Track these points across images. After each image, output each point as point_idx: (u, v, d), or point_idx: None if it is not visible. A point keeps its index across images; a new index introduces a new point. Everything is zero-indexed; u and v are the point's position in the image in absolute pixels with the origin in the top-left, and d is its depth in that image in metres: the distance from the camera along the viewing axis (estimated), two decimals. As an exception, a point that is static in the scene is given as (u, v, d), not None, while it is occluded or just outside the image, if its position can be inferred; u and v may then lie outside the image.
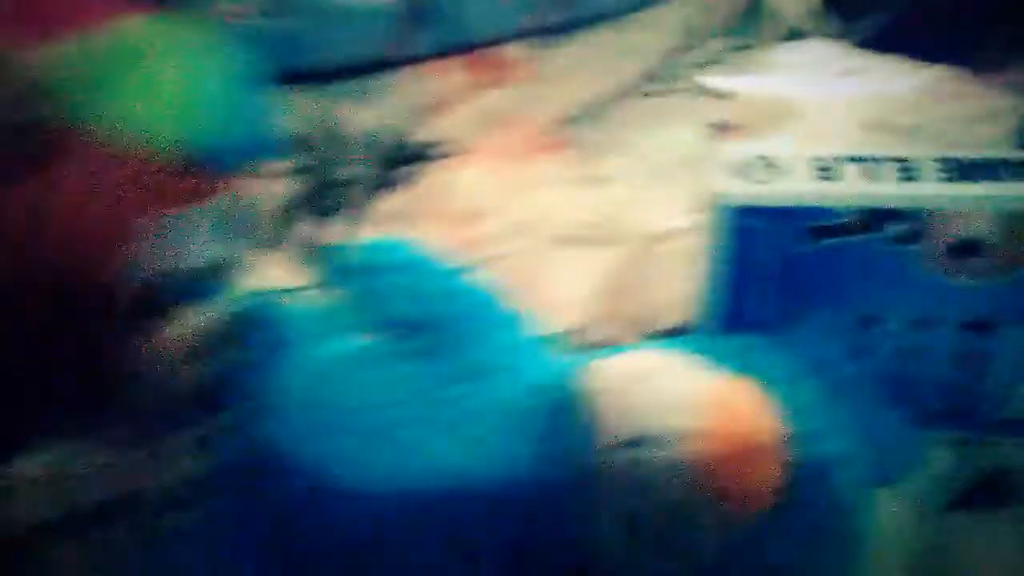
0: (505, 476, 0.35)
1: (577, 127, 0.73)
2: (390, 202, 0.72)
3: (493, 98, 0.76)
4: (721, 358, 0.40)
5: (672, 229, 0.59)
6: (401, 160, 0.76)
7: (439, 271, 0.42)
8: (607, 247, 0.66)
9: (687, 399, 0.34)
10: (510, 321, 0.41)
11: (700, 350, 0.41)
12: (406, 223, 0.69)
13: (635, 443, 0.36)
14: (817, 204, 0.45)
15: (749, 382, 0.36)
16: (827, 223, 0.46)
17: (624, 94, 0.71)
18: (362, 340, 0.39)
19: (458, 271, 0.42)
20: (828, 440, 0.38)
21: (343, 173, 0.74)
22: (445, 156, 0.75)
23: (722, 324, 0.48)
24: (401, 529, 0.34)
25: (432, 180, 0.73)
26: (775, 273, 0.47)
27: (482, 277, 0.42)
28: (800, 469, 0.37)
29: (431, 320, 0.40)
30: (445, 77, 0.77)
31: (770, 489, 0.34)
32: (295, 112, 0.73)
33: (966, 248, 0.43)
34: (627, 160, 0.71)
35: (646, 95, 0.71)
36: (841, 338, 0.48)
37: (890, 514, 0.44)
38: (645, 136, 0.68)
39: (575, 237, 0.68)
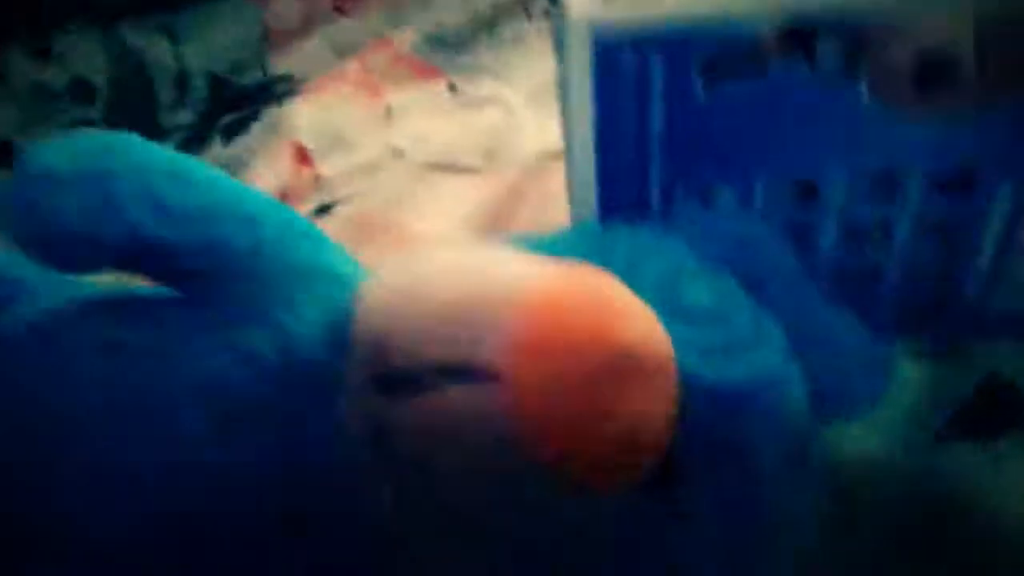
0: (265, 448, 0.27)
1: (446, 53, 0.68)
2: (221, 151, 0.66)
3: (342, 27, 0.71)
4: (582, 254, 0.27)
5: (551, 154, 0.54)
6: (235, 102, 0.70)
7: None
8: (482, 174, 0.60)
9: (502, 305, 0.22)
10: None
11: (554, 248, 0.28)
12: (244, 170, 0.58)
13: (417, 378, 0.22)
14: (713, 24, 0.31)
15: (609, 279, 0.24)
16: (729, 51, 0.32)
17: (493, 18, 0.69)
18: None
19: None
20: (749, 361, 0.26)
21: (160, 120, 0.68)
22: (291, 92, 0.68)
23: (597, 213, 0.34)
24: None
25: (276, 119, 0.67)
26: (660, 136, 0.34)
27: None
28: (703, 404, 0.24)
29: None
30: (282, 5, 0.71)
31: (642, 439, 0.22)
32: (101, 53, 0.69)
33: (930, 73, 0.31)
34: (503, 84, 0.66)
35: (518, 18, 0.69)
36: (766, 217, 0.34)
37: (865, 456, 0.37)
38: (521, 60, 0.66)
39: (447, 165, 0.62)
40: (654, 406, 0.21)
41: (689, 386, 0.24)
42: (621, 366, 0.21)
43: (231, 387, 0.27)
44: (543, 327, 0.21)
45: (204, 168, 0.31)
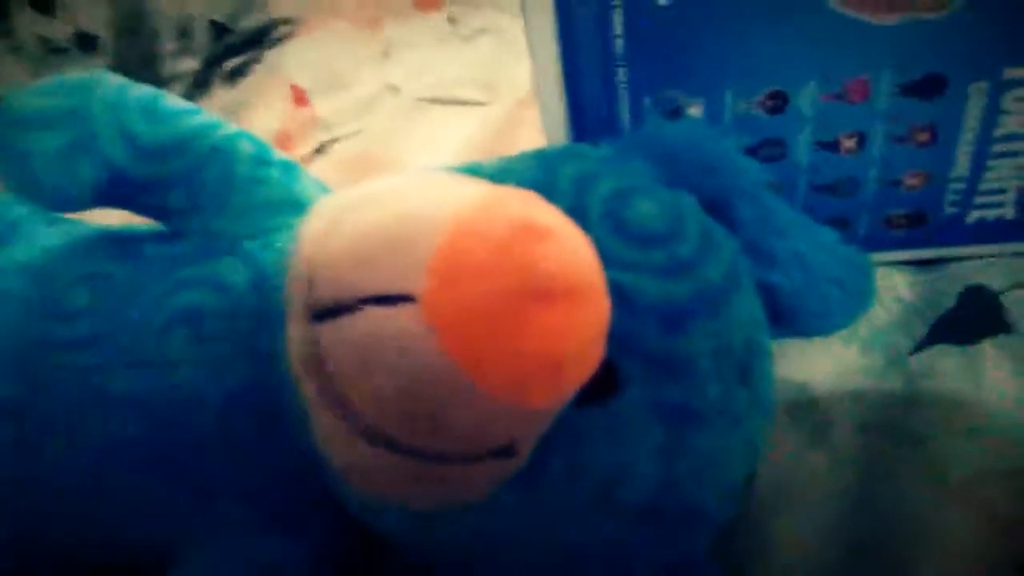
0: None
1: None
2: (223, 95, 0.67)
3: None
4: (530, 177, 0.27)
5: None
6: (236, 46, 0.70)
7: None
8: (480, 106, 0.60)
9: (421, 230, 0.22)
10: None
11: (503, 171, 0.28)
12: (245, 113, 0.58)
13: (349, 305, 0.22)
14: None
15: (536, 202, 0.23)
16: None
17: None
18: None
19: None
20: (693, 279, 0.25)
21: (164, 68, 0.69)
22: (291, 34, 0.68)
23: (569, 135, 0.34)
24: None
25: (275, 61, 0.67)
26: (624, 47, 0.34)
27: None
28: (643, 322, 0.24)
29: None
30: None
31: (562, 356, 0.21)
32: (104, 5, 0.69)
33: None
34: (501, 13, 0.65)
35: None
36: (737, 131, 0.34)
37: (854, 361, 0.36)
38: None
39: (445, 98, 0.62)
40: (574, 324, 0.21)
41: (629, 304, 0.24)
42: (534, 285, 0.21)
43: (207, 316, 0.28)
44: (459, 250, 0.21)
45: (176, 103, 0.31)
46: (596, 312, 0.22)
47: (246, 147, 0.31)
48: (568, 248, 0.22)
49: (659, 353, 0.25)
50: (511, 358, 0.21)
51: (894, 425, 0.34)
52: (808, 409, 0.35)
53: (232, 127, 0.32)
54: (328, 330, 0.22)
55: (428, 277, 0.21)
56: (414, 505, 0.25)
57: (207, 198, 0.30)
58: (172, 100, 0.32)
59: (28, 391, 0.29)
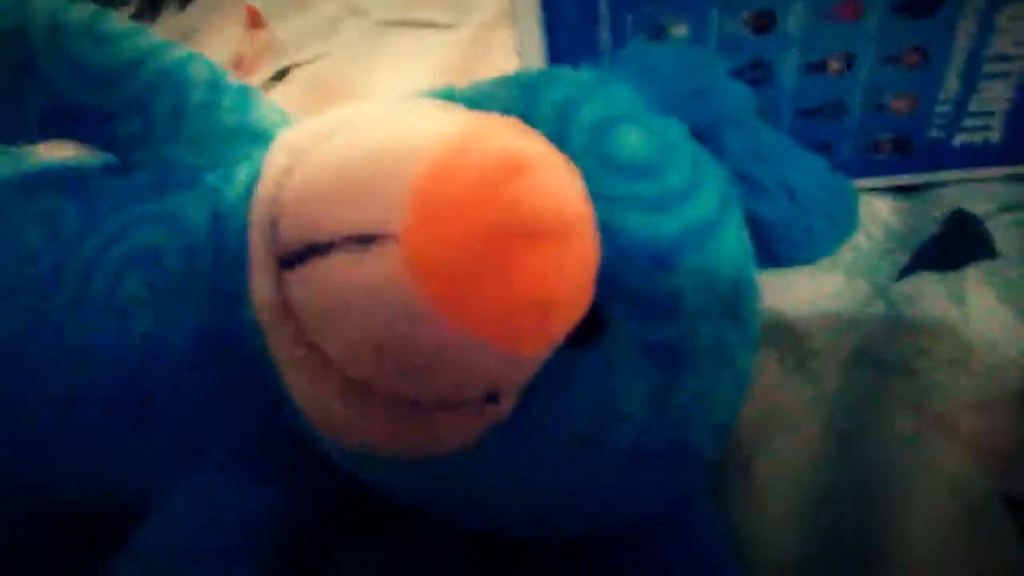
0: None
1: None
2: (176, 19, 0.64)
3: None
4: (511, 103, 0.25)
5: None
6: None
7: None
8: (444, 29, 0.57)
9: (397, 164, 0.20)
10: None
11: (482, 97, 0.26)
12: (198, 36, 0.55)
13: (319, 248, 0.20)
14: None
15: (521, 131, 0.21)
16: None
17: None
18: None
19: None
20: (680, 214, 0.24)
21: None
22: None
23: (545, 58, 0.32)
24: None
25: None
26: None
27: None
28: (631, 259, 0.23)
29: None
30: None
31: (550, 297, 0.20)
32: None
33: None
34: None
35: None
36: (722, 53, 0.32)
37: (838, 289, 0.35)
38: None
39: (408, 20, 0.59)
40: (562, 265, 0.20)
41: (616, 240, 0.23)
42: (521, 225, 0.19)
43: (163, 257, 0.26)
44: (439, 183, 0.19)
45: (121, 23, 0.29)
46: (585, 252, 0.21)
47: (199, 71, 0.29)
48: (556, 184, 0.20)
49: (647, 291, 0.24)
50: (498, 302, 0.19)
51: (878, 354, 0.34)
52: (791, 338, 0.34)
53: (183, 50, 0.30)
54: (297, 276, 0.21)
55: (406, 215, 0.19)
56: (395, 454, 0.23)
57: (159, 127, 0.29)
58: (116, 20, 0.29)
59: None
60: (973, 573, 0.28)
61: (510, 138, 0.21)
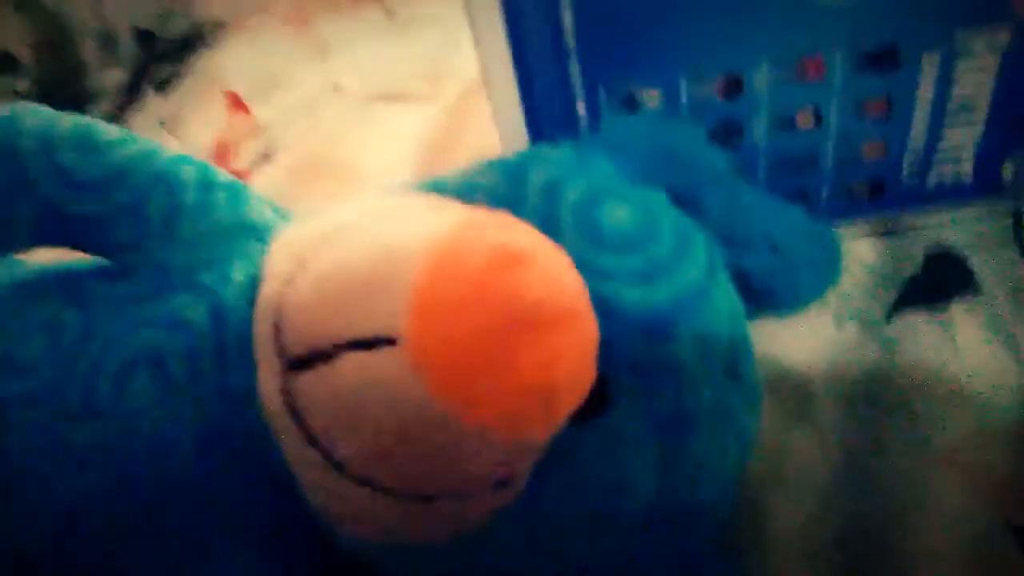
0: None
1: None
2: (156, 106, 0.64)
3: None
4: (498, 189, 0.26)
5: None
6: (164, 54, 0.68)
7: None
8: (425, 100, 0.58)
9: (397, 267, 0.21)
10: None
11: (468, 185, 0.27)
12: (181, 123, 0.56)
13: (321, 355, 0.21)
14: None
15: (513, 223, 0.23)
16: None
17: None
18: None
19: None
20: (670, 282, 0.25)
21: (90, 82, 0.66)
22: (221, 37, 0.67)
23: (525, 136, 0.33)
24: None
25: (207, 67, 0.65)
26: (574, 35, 0.32)
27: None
28: (627, 332, 0.24)
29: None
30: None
31: (555, 385, 0.21)
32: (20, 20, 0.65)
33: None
34: (439, 2, 0.64)
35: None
36: (694, 117, 0.33)
37: (830, 334, 0.36)
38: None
39: (389, 94, 0.60)
40: (563, 350, 0.20)
41: (612, 315, 0.23)
42: (521, 316, 0.20)
43: (166, 360, 0.27)
44: (439, 284, 0.20)
45: (111, 131, 0.30)
46: (585, 334, 0.21)
47: (189, 172, 0.30)
48: (551, 272, 0.21)
49: (647, 361, 0.24)
50: (505, 395, 0.20)
51: (874, 395, 0.34)
52: (788, 385, 0.35)
53: (172, 152, 0.31)
54: (306, 381, 0.22)
55: (408, 317, 0.20)
56: (407, 541, 0.24)
57: (154, 230, 0.29)
58: (106, 129, 0.30)
59: None
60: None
61: (502, 232, 0.22)
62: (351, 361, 0.21)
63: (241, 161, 0.57)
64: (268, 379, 0.22)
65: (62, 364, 0.28)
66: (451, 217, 0.22)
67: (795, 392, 0.35)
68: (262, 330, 0.23)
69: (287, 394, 0.22)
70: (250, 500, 0.27)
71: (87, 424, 0.27)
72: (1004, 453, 0.32)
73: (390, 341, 0.20)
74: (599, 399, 0.24)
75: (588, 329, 0.22)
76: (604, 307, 0.23)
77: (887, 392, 0.34)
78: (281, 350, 0.22)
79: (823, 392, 0.35)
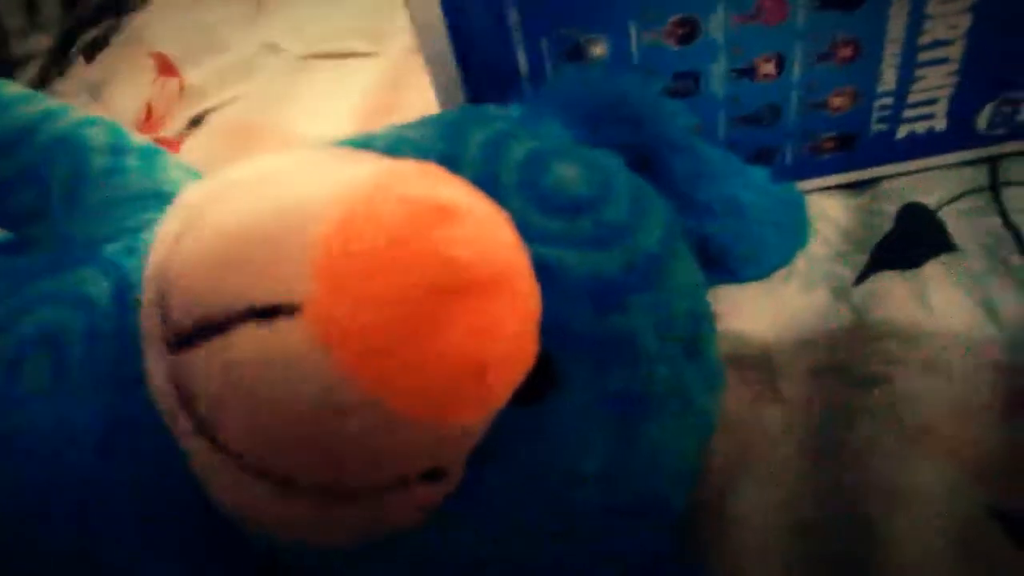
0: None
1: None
2: (83, 72, 0.60)
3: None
4: (434, 146, 0.24)
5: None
6: (90, 17, 0.64)
7: None
8: (366, 57, 0.55)
9: (301, 225, 0.17)
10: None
11: (402, 142, 0.24)
12: (109, 88, 0.52)
13: (215, 326, 0.18)
14: None
15: (440, 177, 0.19)
16: None
17: None
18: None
19: None
20: (625, 248, 0.23)
21: (13, 49, 0.63)
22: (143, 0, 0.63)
23: (463, 93, 0.30)
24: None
25: (136, 30, 0.61)
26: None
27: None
28: (578, 302, 0.21)
29: None
30: None
31: (484, 358, 0.17)
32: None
33: None
34: None
35: None
36: (646, 69, 0.30)
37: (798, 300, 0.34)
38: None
39: (328, 53, 0.56)
40: (495, 319, 0.17)
41: (557, 284, 0.21)
42: (447, 280, 0.17)
43: (64, 341, 0.24)
44: (349, 242, 0.17)
45: (12, 89, 0.27)
46: (524, 303, 0.18)
47: (98, 134, 0.27)
48: (483, 230, 0.18)
49: (597, 336, 0.22)
50: (425, 369, 0.17)
51: (846, 367, 0.32)
52: (751, 359, 0.33)
53: (80, 113, 0.28)
54: (191, 360, 0.18)
55: (313, 281, 0.17)
56: (331, 544, 0.21)
57: (57, 197, 0.26)
58: (7, 87, 0.28)
59: None
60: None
61: (426, 185, 0.18)
62: (246, 334, 0.17)
63: (171, 127, 0.54)
64: (154, 358, 0.19)
65: None
66: (368, 168, 0.19)
67: (760, 366, 0.32)
68: (147, 301, 0.19)
69: (174, 374, 0.19)
70: (158, 499, 0.24)
71: None
72: (984, 428, 0.29)
73: (291, 310, 0.17)
74: (544, 379, 0.21)
75: (527, 297, 0.18)
76: (549, 275, 0.20)
77: (859, 363, 0.32)
78: (166, 323, 0.19)
79: (790, 365, 0.32)
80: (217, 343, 0.18)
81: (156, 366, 0.19)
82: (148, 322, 0.19)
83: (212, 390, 0.18)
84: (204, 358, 0.18)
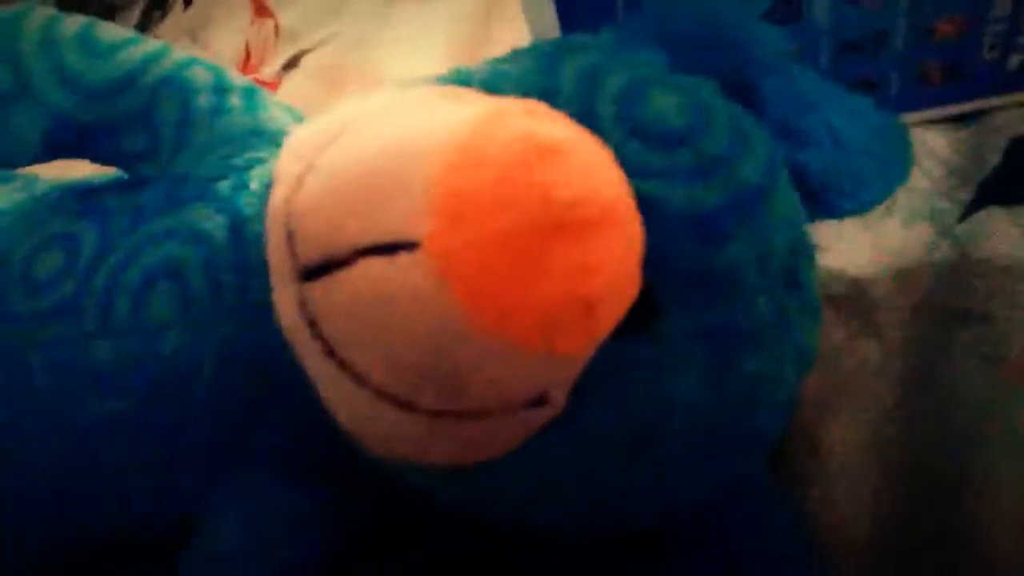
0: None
1: None
2: (182, 17, 0.62)
3: None
4: (531, 80, 0.24)
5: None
6: None
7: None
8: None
9: (416, 165, 0.18)
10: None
11: (499, 76, 0.24)
12: (206, 31, 0.54)
13: (341, 260, 0.19)
14: None
15: (546, 115, 0.19)
16: None
17: None
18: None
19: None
20: (725, 181, 0.22)
21: None
22: None
23: (556, 24, 0.30)
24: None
25: None
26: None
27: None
28: (678, 235, 0.22)
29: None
30: None
31: (592, 292, 0.18)
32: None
33: None
34: None
35: None
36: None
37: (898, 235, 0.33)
38: None
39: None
40: (604, 254, 0.18)
41: (659, 218, 0.21)
42: (555, 216, 0.18)
43: (185, 273, 0.25)
44: (462, 181, 0.18)
45: (114, 32, 0.28)
46: (628, 237, 0.19)
47: (201, 75, 0.28)
48: (588, 167, 0.19)
49: (698, 269, 0.22)
50: (536, 303, 0.18)
51: (945, 304, 0.31)
52: (851, 296, 0.32)
53: (182, 54, 0.29)
54: (320, 290, 0.19)
55: (430, 219, 0.18)
56: (442, 463, 0.22)
57: (166, 138, 0.28)
58: (109, 29, 0.28)
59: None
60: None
61: (531, 123, 0.19)
62: (369, 268, 0.18)
63: (268, 68, 0.55)
64: (283, 290, 0.20)
65: (79, 281, 0.27)
66: (474, 107, 0.19)
67: (858, 302, 0.32)
68: (274, 238, 0.21)
69: (303, 305, 0.20)
70: (282, 418, 0.26)
71: (104, 344, 0.26)
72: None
73: (411, 246, 0.18)
74: (645, 310, 0.21)
75: (631, 231, 0.19)
76: (650, 208, 0.20)
77: (960, 299, 0.31)
78: (295, 258, 0.20)
79: (888, 301, 0.32)
80: (343, 276, 0.19)
81: (284, 298, 0.20)
82: (275, 258, 0.20)
83: (340, 319, 0.19)
84: (331, 289, 0.19)
